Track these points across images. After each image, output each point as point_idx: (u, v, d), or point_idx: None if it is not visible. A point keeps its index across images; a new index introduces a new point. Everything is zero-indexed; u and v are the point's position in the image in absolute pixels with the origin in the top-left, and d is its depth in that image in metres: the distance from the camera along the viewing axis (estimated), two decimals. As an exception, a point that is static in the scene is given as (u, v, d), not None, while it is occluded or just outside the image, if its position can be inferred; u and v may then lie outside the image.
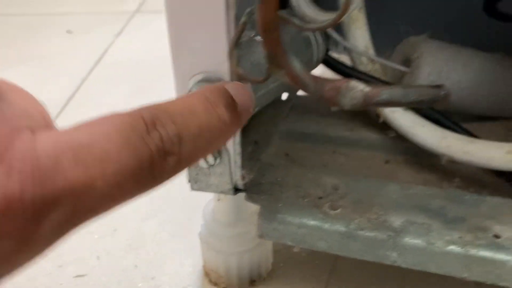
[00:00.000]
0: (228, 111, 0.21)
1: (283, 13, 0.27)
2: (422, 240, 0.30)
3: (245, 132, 0.37)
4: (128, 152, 0.16)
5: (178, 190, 0.39)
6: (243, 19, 0.23)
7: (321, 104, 0.47)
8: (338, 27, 0.39)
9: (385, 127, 0.40)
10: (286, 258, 0.43)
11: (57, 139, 0.15)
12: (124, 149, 0.16)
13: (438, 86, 0.23)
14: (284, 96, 0.46)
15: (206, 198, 0.40)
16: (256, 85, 0.34)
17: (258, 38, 0.31)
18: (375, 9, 0.46)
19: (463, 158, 0.34)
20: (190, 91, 0.29)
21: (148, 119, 0.17)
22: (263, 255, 0.39)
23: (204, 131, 0.19)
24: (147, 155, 0.17)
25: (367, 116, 0.42)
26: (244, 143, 0.37)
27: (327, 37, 0.40)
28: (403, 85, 0.24)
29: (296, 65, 0.22)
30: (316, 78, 0.23)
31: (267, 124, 0.41)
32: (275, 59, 0.22)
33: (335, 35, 0.35)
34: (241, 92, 0.22)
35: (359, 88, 0.23)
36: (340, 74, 0.38)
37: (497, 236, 0.30)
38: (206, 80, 0.29)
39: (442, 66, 0.37)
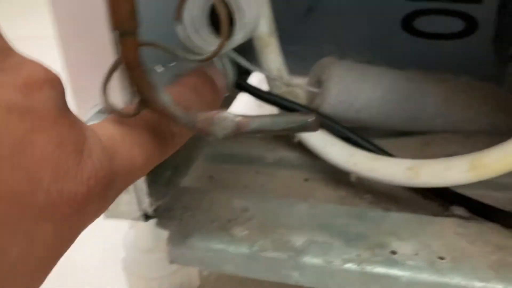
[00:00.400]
0: (211, 94, 0.29)
1: (165, 45, 0.28)
2: (321, 259, 0.30)
3: (163, 157, 0.38)
4: None
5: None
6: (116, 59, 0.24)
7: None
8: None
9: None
10: (215, 279, 0.44)
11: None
12: None
13: (308, 113, 0.24)
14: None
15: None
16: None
17: (159, 68, 0.32)
18: (299, 29, 0.48)
19: (369, 175, 0.35)
20: (90, 120, 0.30)
21: None
22: (185, 278, 0.40)
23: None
24: None
25: (287, 135, 0.43)
26: (162, 168, 0.37)
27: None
28: (273, 114, 0.25)
29: (165, 99, 0.23)
30: (188, 111, 0.24)
31: (189, 147, 0.42)
32: (142, 95, 0.23)
33: (242, 60, 0.35)
34: (219, 76, 0.30)
35: (230, 118, 0.24)
36: (256, 98, 0.39)
37: (393, 252, 0.30)
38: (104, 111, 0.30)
39: (350, 86, 0.38)
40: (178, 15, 0.28)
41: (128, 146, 0.22)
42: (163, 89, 0.23)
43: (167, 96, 0.23)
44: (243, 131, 0.24)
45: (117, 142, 0.22)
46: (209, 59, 0.29)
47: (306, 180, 0.40)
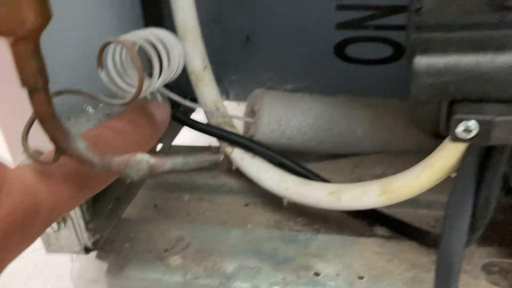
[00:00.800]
0: (150, 128, 0.31)
1: (87, 92, 0.29)
2: (249, 284, 0.32)
3: (105, 190, 0.40)
4: None
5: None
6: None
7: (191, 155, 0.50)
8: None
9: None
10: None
11: None
12: None
13: (216, 153, 0.26)
14: (159, 146, 0.48)
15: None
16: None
17: (90, 109, 0.34)
18: (239, 58, 0.50)
19: (298, 200, 0.37)
20: (21, 163, 0.31)
21: None
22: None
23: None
24: None
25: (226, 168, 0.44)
26: (103, 201, 0.39)
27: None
28: (185, 155, 0.26)
29: (80, 146, 0.25)
30: (104, 155, 0.25)
31: (134, 178, 0.44)
32: (57, 144, 0.24)
33: (175, 96, 0.37)
34: (159, 111, 0.33)
35: (144, 160, 0.26)
36: (193, 129, 0.41)
37: (317, 274, 0.32)
38: (40, 152, 0.31)
39: (281, 115, 0.40)
40: (100, 62, 0.30)
41: (50, 186, 0.24)
42: (78, 137, 0.25)
43: (82, 144, 0.25)
44: (157, 173, 0.26)
45: (38, 183, 0.24)
46: (132, 102, 0.30)
47: (246, 205, 0.42)
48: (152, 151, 0.47)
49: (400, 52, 0.47)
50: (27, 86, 0.23)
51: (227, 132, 0.40)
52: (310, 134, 0.41)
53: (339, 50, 0.48)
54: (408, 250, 0.33)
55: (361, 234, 0.36)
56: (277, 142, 0.41)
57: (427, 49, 0.25)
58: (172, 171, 0.26)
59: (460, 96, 0.25)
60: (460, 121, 0.24)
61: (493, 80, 0.24)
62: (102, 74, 0.30)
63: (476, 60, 0.24)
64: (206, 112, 0.41)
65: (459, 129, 0.24)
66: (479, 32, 0.25)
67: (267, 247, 0.35)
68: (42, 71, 0.23)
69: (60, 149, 0.25)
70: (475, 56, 0.24)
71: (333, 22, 0.46)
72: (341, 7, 0.46)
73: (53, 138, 0.24)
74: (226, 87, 0.52)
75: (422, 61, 0.25)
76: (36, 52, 0.22)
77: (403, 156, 0.43)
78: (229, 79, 0.51)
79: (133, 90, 0.30)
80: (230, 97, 0.53)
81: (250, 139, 0.40)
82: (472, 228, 0.28)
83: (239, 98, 0.53)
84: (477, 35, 0.25)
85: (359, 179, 0.41)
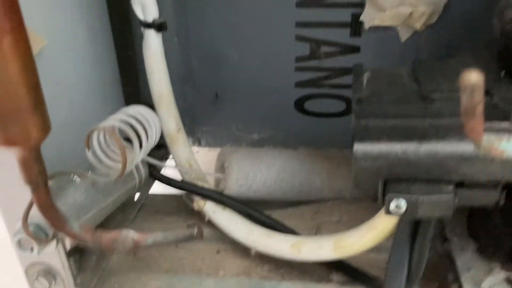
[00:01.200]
0: None
1: (78, 172, 0.34)
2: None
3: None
4: None
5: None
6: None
7: (168, 202, 0.54)
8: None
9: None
10: None
11: None
12: None
13: (192, 226, 0.31)
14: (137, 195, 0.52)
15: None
16: (109, 188, 0.40)
17: (77, 179, 0.38)
18: (210, 112, 0.55)
19: (264, 250, 0.41)
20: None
21: None
22: None
23: None
24: None
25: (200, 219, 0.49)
26: (89, 254, 0.43)
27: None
28: (165, 231, 0.31)
29: (75, 229, 0.29)
30: (94, 233, 0.30)
31: (114, 227, 0.48)
32: (55, 226, 0.28)
33: (153, 161, 0.42)
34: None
35: (129, 236, 0.30)
36: (170, 186, 0.45)
37: (280, 319, 0.37)
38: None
39: (248, 171, 0.45)
40: (87, 145, 0.34)
41: None
42: (73, 222, 0.29)
43: (76, 226, 0.29)
44: (141, 246, 0.30)
45: None
46: (118, 178, 0.35)
47: (218, 252, 0.47)
48: (130, 201, 0.51)
49: (351, 107, 0.53)
50: (30, 185, 0.27)
51: (199, 187, 0.45)
52: (274, 186, 0.46)
53: (299, 104, 0.53)
54: (360, 295, 0.39)
55: (320, 279, 0.41)
56: (245, 195, 0.45)
57: (364, 137, 0.30)
58: (154, 244, 0.31)
59: (392, 177, 0.30)
60: (391, 199, 0.29)
61: (418, 165, 0.29)
62: (89, 155, 0.34)
63: (404, 148, 0.29)
64: (180, 170, 0.46)
65: (392, 206, 0.29)
66: (407, 121, 0.31)
67: (238, 296, 0.39)
68: (42, 172, 0.27)
69: (57, 230, 0.29)
70: (402, 145, 0.29)
71: (293, 81, 0.52)
72: (300, 69, 0.51)
73: (51, 223, 0.28)
74: (198, 137, 0.57)
75: (360, 148, 0.30)
76: (38, 157, 0.26)
77: (357, 202, 0.49)
78: (201, 129, 0.56)
79: (119, 166, 0.34)
80: (202, 144, 0.58)
81: (221, 193, 0.45)
82: (409, 278, 0.34)
83: (210, 145, 0.58)
84: (404, 125, 0.31)
85: (318, 225, 0.46)
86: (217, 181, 0.47)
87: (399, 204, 0.29)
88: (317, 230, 0.46)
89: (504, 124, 0.29)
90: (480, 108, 0.22)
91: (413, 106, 0.31)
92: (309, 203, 0.49)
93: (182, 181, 0.45)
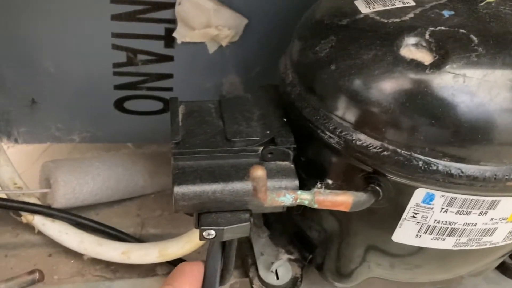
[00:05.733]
0: None
1: None
2: (65, 338, 0.42)
3: None
4: None
5: None
6: None
7: None
8: None
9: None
10: None
11: None
12: None
13: (33, 272, 0.34)
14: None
15: None
16: None
17: None
18: (27, 116, 0.55)
19: (97, 257, 0.47)
20: None
21: None
22: None
23: None
24: None
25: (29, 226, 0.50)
26: None
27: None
28: (7, 282, 0.34)
29: None
30: None
31: None
32: None
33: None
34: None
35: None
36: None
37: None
38: None
39: (75, 185, 0.48)
40: None
41: None
42: None
43: None
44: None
45: None
46: None
47: (50, 255, 0.50)
48: None
49: (168, 106, 0.58)
50: None
51: (27, 203, 0.47)
52: (101, 194, 0.50)
53: (119, 104, 0.57)
54: None
55: (147, 273, 0.49)
56: (73, 205, 0.49)
57: (181, 181, 0.37)
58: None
59: (204, 210, 0.37)
60: (204, 230, 0.37)
61: (224, 201, 0.37)
62: None
63: (213, 189, 0.37)
64: (3, 188, 0.47)
65: (204, 234, 0.37)
66: (214, 163, 0.38)
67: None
68: None
69: None
70: (212, 186, 0.37)
71: (111, 84, 0.55)
72: (118, 74, 0.54)
73: None
74: (16, 137, 0.56)
75: (178, 191, 0.36)
76: None
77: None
78: (18, 131, 0.56)
79: None
80: (19, 142, 0.58)
81: (48, 207, 0.48)
82: (222, 275, 0.43)
83: (28, 142, 0.58)
84: (212, 166, 0.38)
85: (143, 222, 0.53)
86: (44, 195, 0.49)
87: (210, 233, 0.37)
88: (142, 227, 0.52)
89: (285, 164, 0.39)
90: (264, 189, 0.30)
91: (219, 147, 0.38)
92: (132, 199, 0.55)
93: (7, 199, 0.47)
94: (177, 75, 0.55)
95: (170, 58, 0.54)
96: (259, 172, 0.29)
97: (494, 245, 0.39)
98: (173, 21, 0.51)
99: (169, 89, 0.56)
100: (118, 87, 0.55)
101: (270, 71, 0.44)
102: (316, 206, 0.34)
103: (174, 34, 0.51)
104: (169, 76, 0.55)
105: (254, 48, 0.54)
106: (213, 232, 0.37)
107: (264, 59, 0.54)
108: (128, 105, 0.57)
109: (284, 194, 0.33)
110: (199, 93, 0.55)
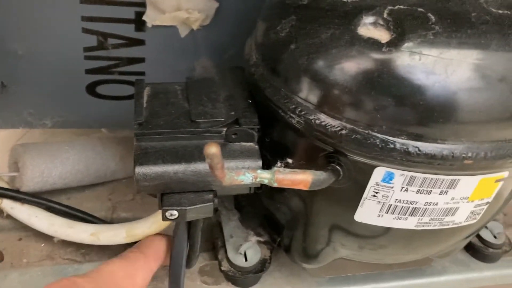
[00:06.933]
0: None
1: None
2: (31, 320, 0.42)
3: None
4: None
5: None
6: None
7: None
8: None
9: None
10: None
11: None
12: None
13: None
14: None
15: None
16: None
17: None
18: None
19: (67, 239, 0.47)
20: None
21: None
22: None
23: None
24: None
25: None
26: None
27: None
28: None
29: None
30: None
31: None
32: None
33: None
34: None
35: None
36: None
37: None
38: None
39: (43, 168, 0.48)
40: None
41: None
42: None
43: None
44: None
45: None
46: None
47: (20, 239, 0.50)
48: None
49: (142, 90, 0.58)
50: None
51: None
52: (71, 178, 0.50)
53: (91, 89, 0.56)
54: (151, 266, 0.47)
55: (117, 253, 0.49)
56: (42, 189, 0.49)
57: (143, 161, 0.37)
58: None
59: (167, 191, 0.37)
60: (166, 211, 0.37)
61: (186, 181, 0.37)
62: None
63: (175, 169, 0.37)
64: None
65: (167, 215, 0.37)
66: (178, 143, 0.38)
67: (43, 284, 0.44)
68: None
69: None
70: (174, 166, 0.37)
71: (83, 69, 0.54)
72: (89, 58, 0.53)
73: None
74: (-15, 120, 0.56)
75: (140, 171, 0.36)
76: None
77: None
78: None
79: None
80: (-10, 125, 0.57)
81: (17, 191, 0.48)
82: (189, 258, 0.43)
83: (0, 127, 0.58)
84: (176, 147, 0.38)
85: (114, 206, 0.53)
86: (12, 178, 0.49)
87: (172, 213, 0.37)
88: (113, 211, 0.52)
89: (249, 145, 0.39)
90: (220, 166, 0.30)
91: (183, 128, 0.38)
92: (104, 184, 0.55)
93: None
94: (149, 59, 0.55)
95: (141, 42, 0.53)
96: (213, 149, 0.29)
97: (457, 225, 0.39)
98: (143, 4, 0.50)
99: (141, 73, 0.56)
100: (89, 71, 0.54)
101: (243, 54, 0.44)
102: (276, 184, 0.34)
103: (144, 18, 0.50)
104: (141, 60, 0.55)
105: (226, 31, 0.54)
106: (175, 213, 0.37)
107: (237, 42, 0.54)
108: (100, 89, 0.56)
109: (244, 173, 0.33)
110: (171, 77, 0.54)
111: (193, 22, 0.51)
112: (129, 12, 0.51)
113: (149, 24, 0.51)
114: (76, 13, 0.50)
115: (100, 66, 0.54)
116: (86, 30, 0.51)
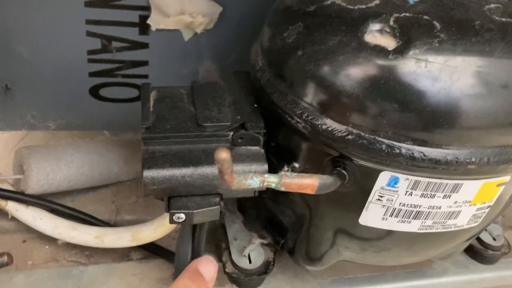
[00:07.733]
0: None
1: None
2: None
3: None
4: None
5: None
6: None
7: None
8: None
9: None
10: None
11: None
12: None
13: (2, 255, 0.35)
14: None
15: None
16: None
17: None
18: (1, 101, 0.55)
19: (71, 241, 0.47)
20: None
21: None
22: None
23: None
24: None
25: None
26: None
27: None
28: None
29: None
30: None
31: None
32: None
33: None
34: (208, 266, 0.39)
35: None
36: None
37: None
38: None
39: (48, 171, 0.48)
40: None
41: None
42: None
43: None
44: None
45: None
46: None
47: (24, 241, 0.50)
48: None
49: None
50: None
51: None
52: (75, 180, 0.50)
53: (94, 92, 0.56)
54: (155, 269, 0.48)
55: (122, 258, 0.49)
56: (47, 192, 0.49)
57: (151, 165, 0.37)
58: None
59: (174, 194, 0.38)
60: (173, 214, 0.37)
61: (193, 185, 0.37)
62: None
63: (182, 173, 0.37)
64: (-24, 173, 0.47)
65: (174, 218, 0.38)
66: (185, 147, 0.38)
67: (48, 286, 0.45)
68: None
69: None
70: (181, 170, 0.37)
71: (86, 72, 0.54)
72: (92, 61, 0.54)
73: None
74: (-12, 122, 0.56)
75: (148, 174, 0.37)
76: None
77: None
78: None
79: None
80: (-7, 127, 0.58)
81: (22, 193, 0.48)
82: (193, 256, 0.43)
83: (3, 129, 0.58)
84: (183, 151, 0.38)
85: (118, 208, 0.53)
86: (17, 181, 0.49)
87: (179, 216, 0.38)
88: (117, 213, 0.52)
89: (255, 149, 0.39)
90: (229, 170, 0.30)
91: (190, 132, 0.39)
92: (107, 186, 0.55)
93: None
94: (152, 62, 0.55)
95: (145, 45, 0.54)
96: (223, 154, 0.29)
97: (459, 228, 0.40)
98: (147, 8, 0.51)
99: (145, 76, 0.56)
100: (93, 74, 0.55)
101: (246, 58, 0.44)
102: (283, 188, 0.34)
103: (148, 21, 0.51)
104: (144, 63, 0.55)
105: (229, 35, 0.54)
106: (182, 216, 0.38)
107: (240, 46, 0.54)
108: (103, 92, 0.57)
109: (252, 177, 0.34)
110: (175, 80, 0.55)
111: (197, 26, 0.52)
112: (133, 16, 0.51)
113: (153, 28, 0.51)
114: (81, 17, 0.50)
115: (103, 69, 0.55)
116: (90, 33, 0.52)
